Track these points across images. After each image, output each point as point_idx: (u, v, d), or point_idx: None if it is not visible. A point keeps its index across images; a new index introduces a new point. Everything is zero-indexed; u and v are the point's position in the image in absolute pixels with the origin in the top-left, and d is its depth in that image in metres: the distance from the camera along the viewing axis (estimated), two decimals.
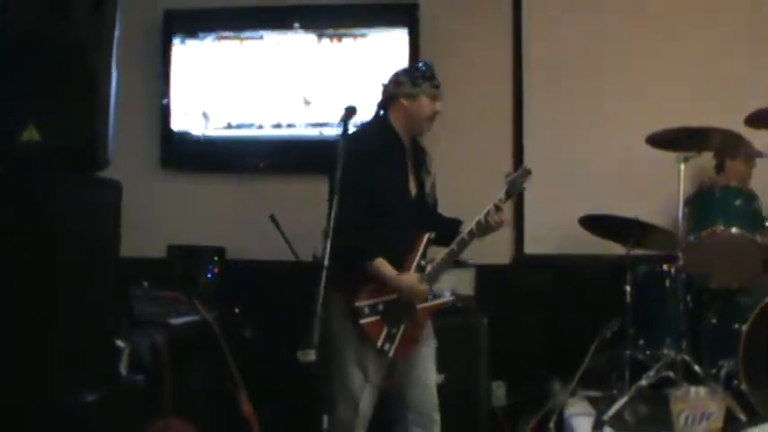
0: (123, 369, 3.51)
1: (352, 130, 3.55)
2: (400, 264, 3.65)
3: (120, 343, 3.51)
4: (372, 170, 3.64)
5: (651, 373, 4.34)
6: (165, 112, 5.72)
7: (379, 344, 3.62)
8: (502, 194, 3.74)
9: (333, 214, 3.49)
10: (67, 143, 3.27)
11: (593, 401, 4.55)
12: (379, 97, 3.85)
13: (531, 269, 5.45)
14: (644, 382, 4.29)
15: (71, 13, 3.37)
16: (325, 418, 3.18)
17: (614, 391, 4.48)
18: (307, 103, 5.59)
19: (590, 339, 4.69)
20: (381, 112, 3.83)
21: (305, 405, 3.37)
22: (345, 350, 3.67)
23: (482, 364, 4.73)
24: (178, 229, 5.54)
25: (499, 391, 5.10)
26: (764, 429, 3.98)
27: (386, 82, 3.84)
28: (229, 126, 5.67)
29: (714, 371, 4.36)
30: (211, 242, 5.43)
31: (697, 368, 4.32)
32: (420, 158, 3.86)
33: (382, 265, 3.61)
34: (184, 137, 5.70)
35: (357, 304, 3.61)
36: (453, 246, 3.73)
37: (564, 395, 4.63)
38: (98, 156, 3.38)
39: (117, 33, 3.54)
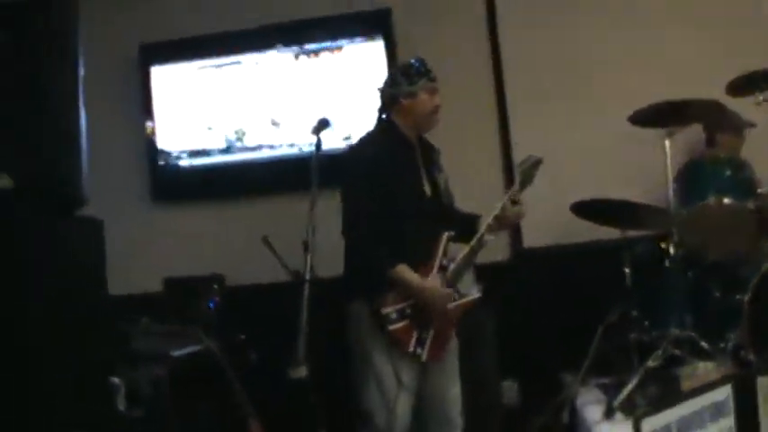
0: (121, 405, 3.49)
1: (356, 139, 3.61)
2: (422, 265, 3.61)
3: (115, 380, 3.50)
4: (383, 174, 3.61)
5: (658, 353, 4.27)
6: (150, 146, 5.72)
7: (411, 348, 3.57)
8: (516, 186, 3.73)
9: (343, 224, 3.59)
10: (40, 185, 3.27)
11: (604, 388, 4.48)
12: (377, 103, 3.83)
13: (531, 262, 5.42)
14: (652, 364, 4.23)
15: (31, 54, 3.38)
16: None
17: (624, 376, 4.41)
18: (275, 123, 5.59)
19: (595, 326, 4.63)
20: (384, 116, 3.80)
21: (314, 424, 3.37)
22: (377, 358, 3.62)
23: (491, 363, 4.69)
24: (174, 260, 5.54)
25: (511, 390, 5.07)
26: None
27: (381, 86, 3.82)
28: (213, 153, 5.66)
29: (721, 344, 4.29)
30: (209, 271, 5.41)
31: (704, 343, 4.25)
32: (430, 157, 3.84)
33: (404, 271, 3.56)
34: (172, 168, 5.71)
35: (383, 311, 3.55)
36: (473, 243, 3.69)
37: (575, 385, 4.58)
38: (73, 195, 3.38)
39: (82, 72, 3.55)
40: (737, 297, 4.25)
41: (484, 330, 4.70)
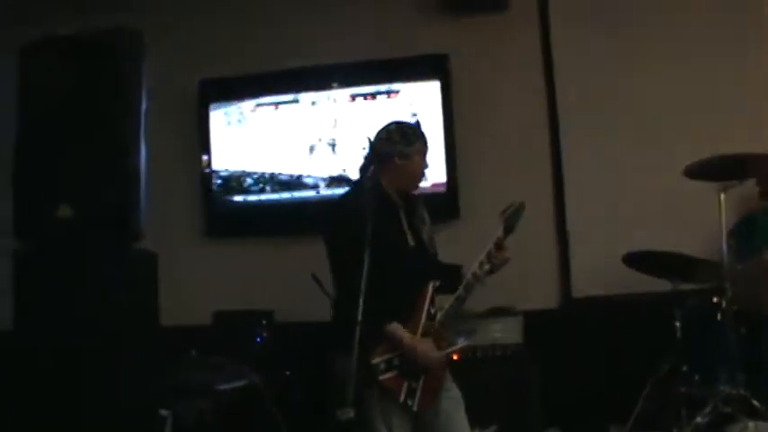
0: None
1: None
2: (408, 317, 3.60)
3: (163, 412, 3.54)
4: (366, 229, 3.50)
5: (707, 409, 4.20)
6: (205, 181, 5.80)
7: (402, 398, 3.55)
8: (500, 231, 3.68)
9: (336, 278, 3.65)
10: (99, 217, 3.34)
11: None
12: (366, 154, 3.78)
13: (580, 312, 5.36)
14: (700, 420, 4.16)
15: (97, 85, 3.47)
16: None
17: (672, 431, 4.36)
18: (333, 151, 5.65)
19: (644, 379, 4.59)
20: (367, 172, 3.73)
21: None
22: (369, 410, 3.55)
23: (535, 412, 4.66)
24: (225, 296, 5.58)
25: None
26: None
27: (373, 138, 3.79)
28: (268, 190, 5.73)
29: None
30: (259, 306, 5.45)
31: (756, 402, 4.18)
32: (414, 208, 3.84)
33: (396, 330, 3.55)
34: (226, 204, 5.78)
35: (373, 361, 3.52)
36: (461, 290, 3.65)
37: None
38: (130, 227, 3.45)
39: (145, 105, 3.64)
40: None
41: (528, 379, 4.67)
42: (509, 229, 3.70)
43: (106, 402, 3.22)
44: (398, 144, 3.72)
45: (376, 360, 3.54)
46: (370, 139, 3.78)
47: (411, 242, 3.76)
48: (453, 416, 3.71)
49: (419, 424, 3.63)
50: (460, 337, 3.94)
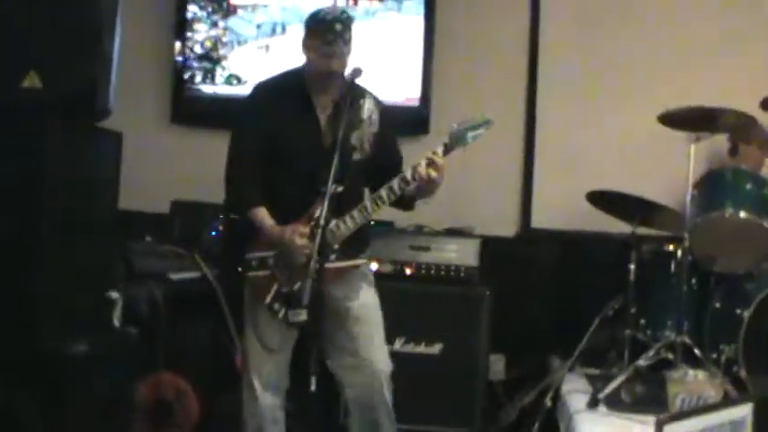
0: (116, 321, 3.50)
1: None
2: (295, 218, 3.37)
3: (114, 294, 3.51)
4: (265, 117, 3.46)
5: (650, 353, 4.28)
6: (176, 68, 5.68)
7: (268, 300, 3.38)
8: (439, 146, 3.39)
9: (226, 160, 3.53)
10: (67, 90, 3.26)
11: (591, 379, 4.50)
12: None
13: (537, 243, 5.40)
14: (642, 363, 4.24)
15: None
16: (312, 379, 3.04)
17: (613, 370, 4.44)
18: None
19: (592, 316, 4.64)
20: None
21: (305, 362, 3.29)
22: (245, 308, 3.54)
23: (482, 336, 4.69)
24: (185, 185, 5.49)
25: (497, 365, 5.06)
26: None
27: None
28: (240, 83, 5.62)
29: (714, 355, 4.31)
30: (218, 200, 5.38)
31: (697, 351, 4.25)
32: (350, 107, 3.42)
33: (260, 215, 3.39)
34: (195, 92, 5.66)
35: (247, 255, 3.42)
36: (366, 202, 3.43)
37: (562, 371, 4.59)
38: (97, 104, 3.37)
39: None
40: (738, 311, 4.25)
41: (478, 303, 4.70)
42: (455, 143, 3.38)
43: (56, 280, 3.18)
44: (303, 36, 3.49)
45: (250, 254, 3.44)
46: None
47: (325, 142, 3.45)
48: (359, 341, 3.51)
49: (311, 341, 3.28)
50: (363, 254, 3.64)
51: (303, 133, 3.49)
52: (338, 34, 3.38)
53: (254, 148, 3.47)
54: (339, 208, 3.39)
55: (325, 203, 3.16)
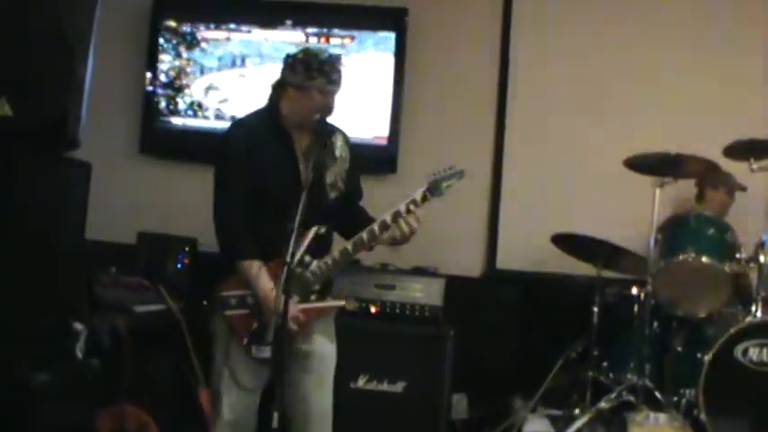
0: (79, 352, 3.46)
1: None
2: (278, 258, 3.25)
3: (77, 325, 3.47)
4: (250, 158, 3.43)
5: (612, 395, 4.33)
6: (147, 99, 5.68)
7: (245, 341, 3.37)
8: (417, 194, 3.40)
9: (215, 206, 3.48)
10: (38, 119, 3.24)
11: (553, 420, 4.53)
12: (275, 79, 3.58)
13: (502, 284, 5.44)
14: (604, 404, 4.28)
15: None
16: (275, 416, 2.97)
17: (575, 411, 4.47)
18: None
19: (555, 358, 4.69)
20: (272, 96, 3.58)
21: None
22: (217, 346, 3.49)
23: (445, 375, 4.69)
24: (152, 216, 5.49)
25: (460, 404, 5.07)
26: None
27: (283, 64, 3.53)
28: (211, 117, 5.63)
29: (675, 398, 4.35)
30: (184, 233, 5.37)
31: (658, 394, 4.31)
32: (323, 145, 3.43)
33: (255, 271, 3.36)
34: (165, 125, 5.67)
35: (223, 294, 3.41)
36: (347, 245, 3.44)
37: (525, 411, 4.61)
38: (67, 134, 3.35)
39: (97, 13, 3.52)
40: (698, 355, 4.29)
41: (442, 342, 4.71)
42: (432, 192, 3.40)
43: (19, 309, 3.15)
44: (299, 75, 3.44)
45: (227, 293, 3.43)
46: (283, 61, 3.54)
47: (305, 181, 3.30)
48: (312, 382, 3.51)
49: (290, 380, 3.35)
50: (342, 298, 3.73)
51: (282, 171, 3.49)
52: (341, 74, 3.47)
53: (242, 192, 3.44)
54: (319, 249, 3.44)
55: (291, 242, 3.07)
